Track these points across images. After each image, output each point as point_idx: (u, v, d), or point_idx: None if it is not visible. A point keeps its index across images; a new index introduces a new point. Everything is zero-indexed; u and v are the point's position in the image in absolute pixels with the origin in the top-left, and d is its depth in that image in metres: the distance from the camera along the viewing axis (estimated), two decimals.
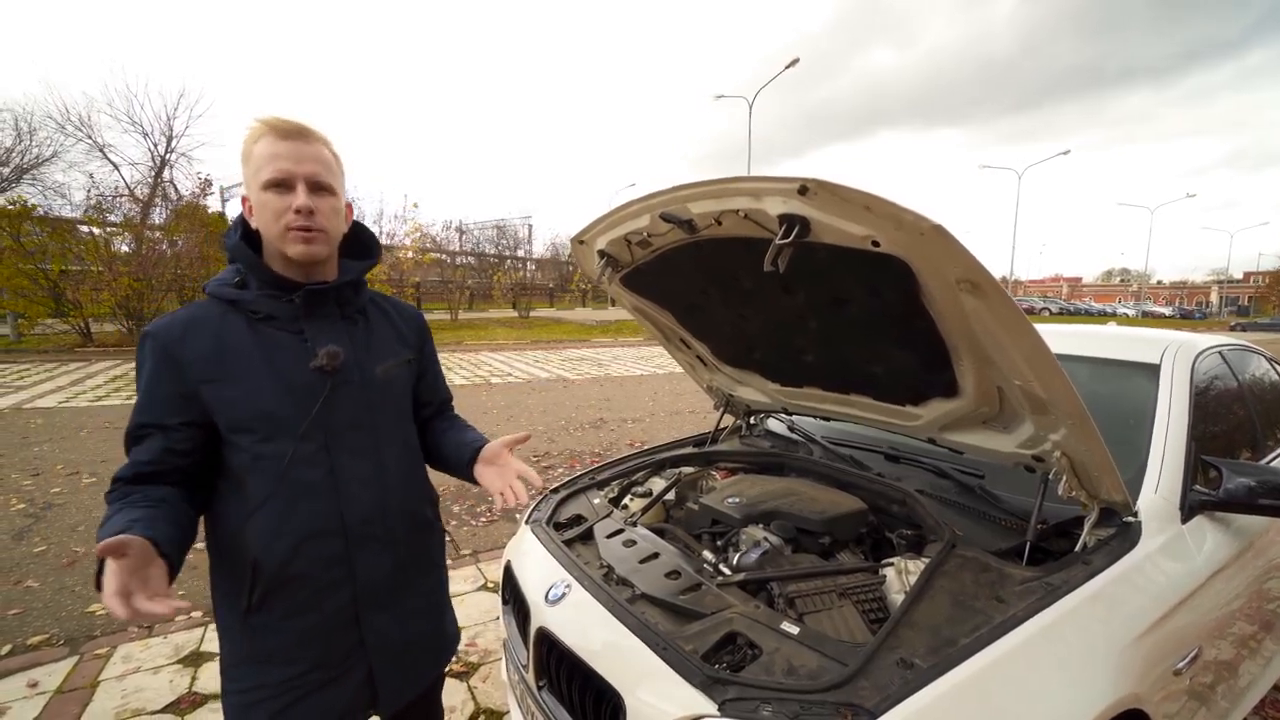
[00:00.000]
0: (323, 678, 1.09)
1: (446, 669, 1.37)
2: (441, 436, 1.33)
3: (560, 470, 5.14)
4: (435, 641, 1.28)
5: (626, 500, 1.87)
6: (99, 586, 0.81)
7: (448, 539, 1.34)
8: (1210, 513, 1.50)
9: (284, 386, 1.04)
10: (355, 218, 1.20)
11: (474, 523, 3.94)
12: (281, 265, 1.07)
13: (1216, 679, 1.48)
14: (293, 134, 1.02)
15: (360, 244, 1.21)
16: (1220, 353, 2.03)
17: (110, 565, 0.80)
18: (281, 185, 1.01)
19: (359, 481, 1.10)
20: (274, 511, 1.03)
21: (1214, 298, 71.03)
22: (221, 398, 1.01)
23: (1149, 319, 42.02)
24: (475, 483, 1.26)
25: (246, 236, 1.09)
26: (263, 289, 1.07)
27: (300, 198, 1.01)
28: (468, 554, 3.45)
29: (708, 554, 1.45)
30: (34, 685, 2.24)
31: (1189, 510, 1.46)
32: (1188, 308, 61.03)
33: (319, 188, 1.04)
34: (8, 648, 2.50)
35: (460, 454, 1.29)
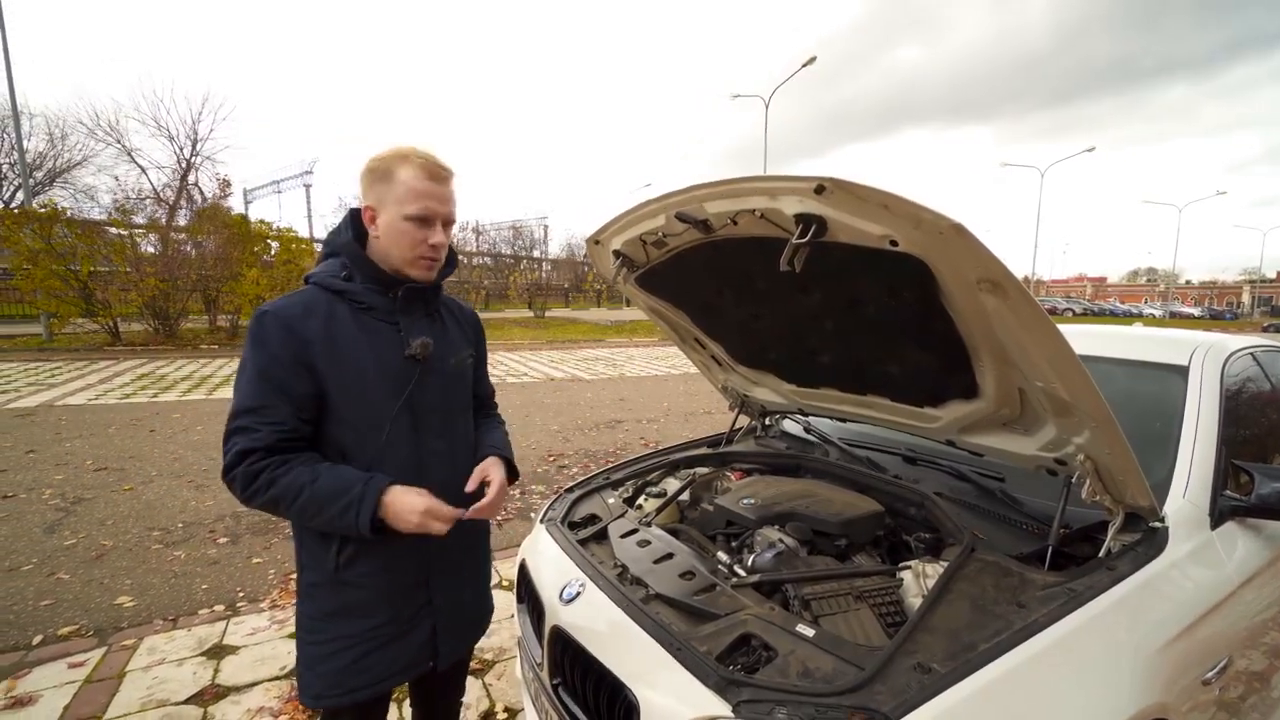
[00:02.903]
0: (394, 631, 1.23)
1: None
2: (475, 430, 1.45)
3: (575, 470, 5.15)
4: (482, 610, 1.46)
5: (641, 500, 1.87)
6: (383, 523, 1.10)
7: (491, 521, 1.48)
8: (1241, 519, 1.46)
9: (383, 370, 1.18)
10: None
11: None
12: (385, 265, 1.21)
13: (1248, 690, 1.44)
14: (441, 177, 1.17)
15: None
16: (1252, 354, 1.98)
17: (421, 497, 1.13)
18: (424, 221, 1.16)
19: (436, 457, 1.25)
20: None
21: (1245, 298, 68.97)
22: (332, 375, 1.14)
23: (1177, 320, 40.96)
24: None
25: (357, 237, 1.22)
26: (367, 283, 1.20)
27: (438, 235, 1.18)
28: None
29: (722, 555, 1.44)
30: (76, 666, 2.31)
31: (1219, 516, 1.42)
32: (1218, 308, 59.38)
33: (448, 225, 1.21)
34: (39, 638, 2.58)
35: (477, 451, 1.40)
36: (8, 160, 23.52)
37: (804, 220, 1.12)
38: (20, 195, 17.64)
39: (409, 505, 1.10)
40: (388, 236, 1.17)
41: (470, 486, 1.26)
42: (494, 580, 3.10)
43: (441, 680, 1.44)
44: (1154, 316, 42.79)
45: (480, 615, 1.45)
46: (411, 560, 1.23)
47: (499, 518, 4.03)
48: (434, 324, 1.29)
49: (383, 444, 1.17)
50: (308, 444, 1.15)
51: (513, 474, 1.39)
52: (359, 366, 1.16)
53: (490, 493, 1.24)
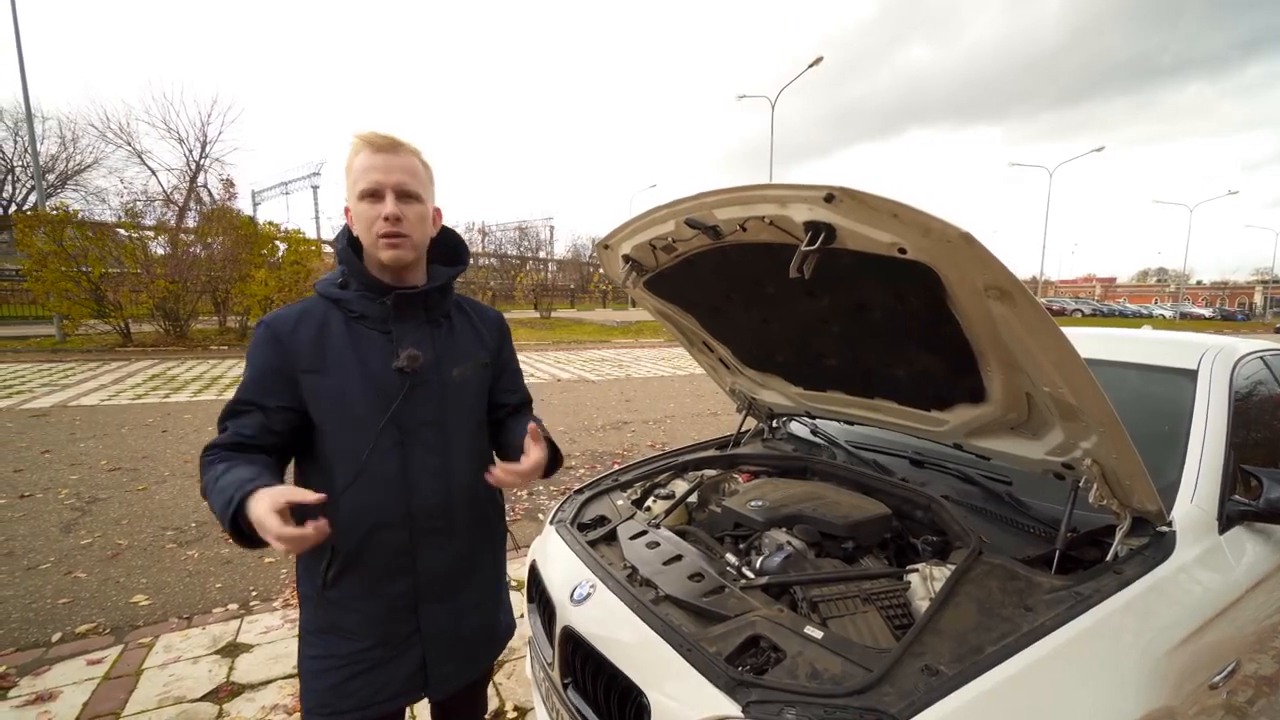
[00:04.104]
0: (382, 656, 1.17)
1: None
2: (512, 430, 1.34)
3: (582, 471, 5.18)
4: (487, 635, 1.35)
5: (649, 502, 1.89)
6: (251, 535, 0.92)
7: (509, 535, 1.38)
8: (1250, 524, 1.46)
9: (370, 382, 1.13)
10: None
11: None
12: (377, 269, 1.16)
13: (1256, 694, 1.44)
14: (385, 147, 1.11)
15: (450, 249, 1.29)
16: (1262, 358, 1.97)
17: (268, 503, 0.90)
18: (374, 195, 1.10)
19: (428, 474, 1.18)
20: (352, 499, 1.11)
21: (1258, 299, 68.22)
22: (316, 387, 1.11)
23: (1187, 321, 40.56)
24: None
25: (351, 243, 1.18)
26: (360, 290, 1.16)
27: (388, 206, 1.09)
28: None
29: (730, 557, 1.45)
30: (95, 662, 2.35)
31: (1227, 520, 1.43)
32: (1229, 309, 58.76)
33: (406, 196, 1.12)
34: (58, 635, 2.62)
35: (515, 440, 1.28)
36: (21, 163, 23.84)
37: (813, 228, 1.13)
38: (33, 197, 17.85)
39: (255, 514, 0.91)
40: (355, 225, 1.14)
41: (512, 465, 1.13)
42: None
43: (457, 698, 1.34)
44: (1164, 317, 42.39)
45: (486, 643, 1.35)
46: (397, 585, 1.16)
47: (512, 518, 4.05)
48: (437, 330, 1.22)
49: (364, 459, 1.10)
50: (272, 450, 1.10)
51: (555, 458, 1.27)
52: (343, 379, 1.11)
53: (520, 464, 1.12)
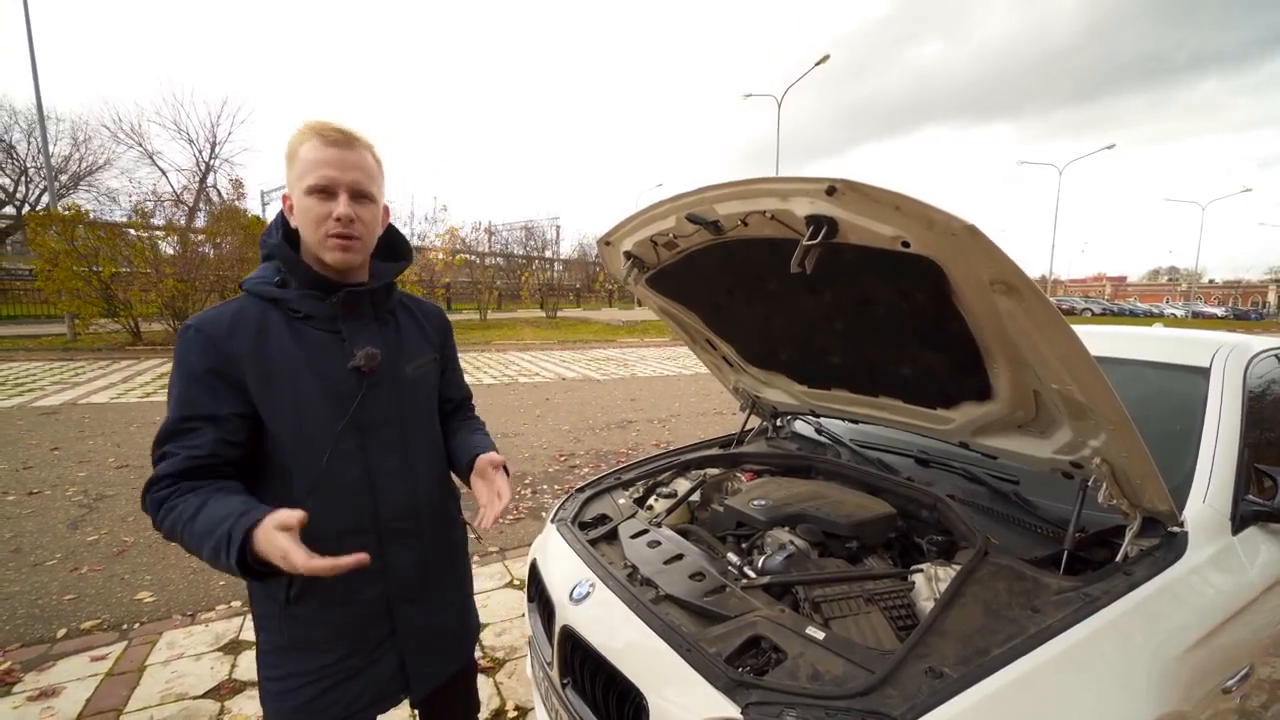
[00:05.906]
0: (356, 665, 1.13)
1: (477, 660, 1.44)
2: (453, 435, 1.35)
3: (586, 470, 5.17)
4: (460, 630, 1.34)
5: (651, 501, 1.87)
6: (262, 568, 0.90)
7: (470, 532, 1.38)
8: (1264, 524, 1.43)
9: (323, 385, 1.07)
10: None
11: (500, 520, 4.00)
12: (319, 266, 1.09)
13: (1270, 699, 1.41)
14: (339, 141, 1.03)
15: (392, 246, 1.24)
16: (1276, 355, 1.93)
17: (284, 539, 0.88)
18: (324, 192, 1.03)
19: (391, 477, 1.15)
20: (314, 508, 1.02)
21: (1271, 297, 67.43)
22: (265, 393, 1.03)
23: (1199, 320, 40.12)
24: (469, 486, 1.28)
25: (287, 235, 1.11)
26: (302, 288, 1.09)
27: (341, 206, 1.03)
28: (494, 550, 3.50)
29: (732, 556, 1.44)
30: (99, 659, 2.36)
31: (1240, 521, 1.39)
32: (1242, 308, 58.12)
33: (360, 196, 1.06)
34: (63, 631, 2.64)
35: (461, 456, 1.30)
36: (34, 164, 24.11)
37: (815, 221, 1.11)
38: (46, 198, 18.06)
39: (274, 549, 0.88)
40: (298, 220, 1.06)
41: (486, 501, 1.16)
42: (504, 580, 3.13)
43: (448, 698, 1.33)
44: (1175, 316, 41.95)
45: (461, 636, 1.34)
46: (369, 591, 1.12)
47: (515, 516, 4.05)
48: (386, 328, 1.18)
49: (324, 467, 1.05)
50: (231, 466, 1.02)
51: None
52: (294, 384, 1.04)
53: (494, 511, 1.14)
